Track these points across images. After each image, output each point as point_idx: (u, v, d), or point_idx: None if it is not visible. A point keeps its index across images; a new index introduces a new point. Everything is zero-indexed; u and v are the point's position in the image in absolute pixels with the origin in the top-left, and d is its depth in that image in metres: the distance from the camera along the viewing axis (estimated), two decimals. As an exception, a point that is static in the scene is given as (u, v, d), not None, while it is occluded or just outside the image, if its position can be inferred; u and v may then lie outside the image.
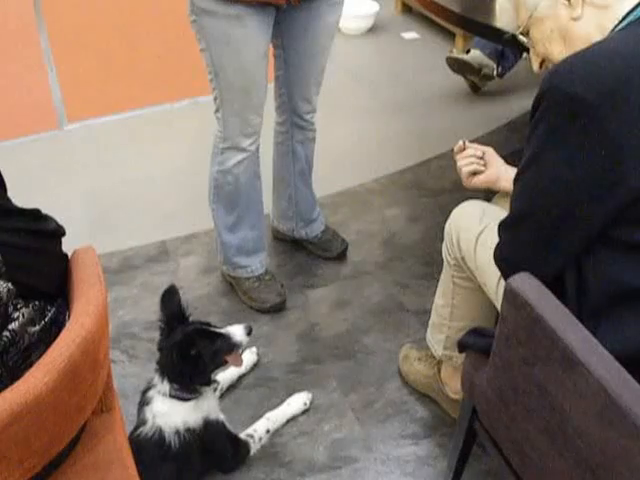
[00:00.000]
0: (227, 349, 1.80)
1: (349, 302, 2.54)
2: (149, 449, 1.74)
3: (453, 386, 2.04)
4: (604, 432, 1.14)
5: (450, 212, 1.85)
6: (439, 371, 2.09)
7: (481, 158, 1.84)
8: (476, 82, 3.77)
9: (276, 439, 2.05)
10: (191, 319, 1.82)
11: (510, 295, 1.32)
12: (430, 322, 2.03)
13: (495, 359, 1.44)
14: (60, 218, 1.44)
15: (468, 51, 3.69)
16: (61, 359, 1.10)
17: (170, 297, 1.79)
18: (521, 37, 1.47)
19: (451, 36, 4.41)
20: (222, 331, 1.80)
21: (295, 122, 2.45)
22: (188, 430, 1.77)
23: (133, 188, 3.16)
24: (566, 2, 1.33)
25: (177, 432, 1.76)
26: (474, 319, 1.86)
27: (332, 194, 3.04)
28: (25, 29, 3.64)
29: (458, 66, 3.69)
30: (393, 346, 2.35)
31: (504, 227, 1.42)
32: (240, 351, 1.85)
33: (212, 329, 1.79)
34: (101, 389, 1.29)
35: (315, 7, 2.14)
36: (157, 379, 1.80)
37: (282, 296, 2.50)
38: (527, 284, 1.31)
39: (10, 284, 1.23)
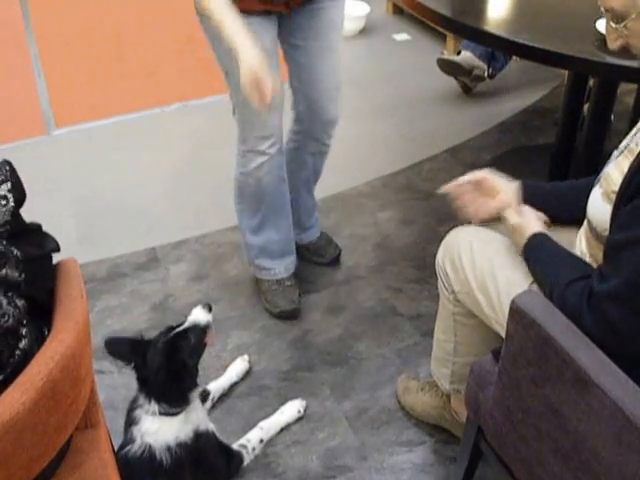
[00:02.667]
0: (201, 336, 1.77)
1: (342, 308, 2.51)
2: (139, 467, 1.70)
3: None
4: (622, 455, 1.11)
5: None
6: (449, 400, 2.00)
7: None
8: (467, 83, 3.76)
9: (269, 449, 2.02)
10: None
11: (517, 314, 1.28)
12: (433, 355, 1.95)
13: (502, 378, 1.41)
14: (48, 225, 1.41)
15: (459, 52, 3.68)
16: (39, 377, 1.07)
17: (117, 344, 1.75)
18: (606, 14, 1.41)
19: (442, 37, 4.39)
20: (187, 325, 1.77)
21: (311, 134, 2.38)
22: (179, 445, 1.73)
23: (122, 194, 3.13)
24: None
25: (168, 448, 1.72)
26: (480, 353, 1.76)
27: (324, 198, 3.01)
28: (13, 33, 3.61)
29: (449, 68, 3.67)
30: (387, 351, 2.33)
31: (614, 299, 1.27)
32: (212, 330, 1.82)
33: (179, 329, 1.75)
34: (83, 406, 1.26)
35: (317, 7, 2.10)
36: (143, 400, 1.76)
37: (294, 304, 2.46)
38: (534, 302, 1.27)
39: (23, 301, 1.21)
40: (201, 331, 1.77)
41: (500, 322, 1.58)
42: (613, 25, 1.41)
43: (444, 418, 2.05)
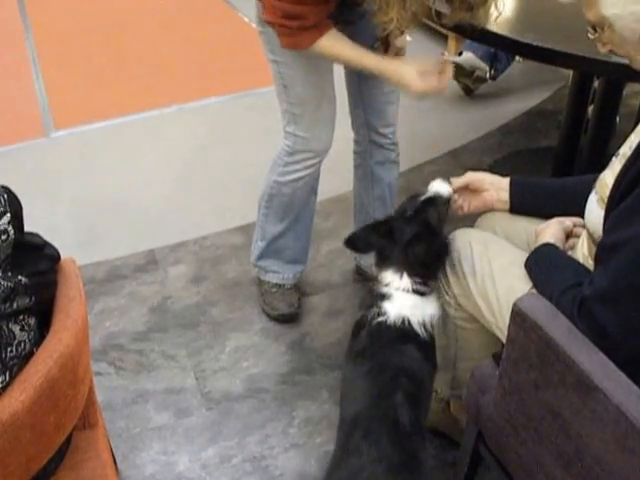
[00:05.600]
0: (445, 207, 1.74)
1: (341, 311, 2.49)
2: (392, 333, 1.63)
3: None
4: (626, 461, 1.09)
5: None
6: (448, 404, 1.98)
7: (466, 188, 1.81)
8: (469, 85, 3.74)
9: (267, 452, 2.01)
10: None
11: (518, 317, 1.26)
12: None
13: (503, 382, 1.39)
14: (47, 227, 1.40)
15: (460, 54, 3.65)
16: (38, 376, 1.06)
17: (357, 239, 1.75)
18: (589, 23, 1.41)
19: (443, 38, 4.37)
20: (431, 194, 1.72)
21: (373, 139, 2.33)
22: (432, 326, 1.66)
23: (121, 196, 3.11)
24: None
25: (423, 324, 1.64)
26: (481, 359, 1.71)
27: (322, 200, 2.98)
28: (11, 36, 3.61)
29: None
30: (386, 355, 2.31)
31: (603, 301, 1.25)
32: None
33: (424, 197, 1.71)
34: (82, 405, 1.25)
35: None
36: (391, 277, 1.68)
37: (293, 308, 2.43)
38: (537, 304, 1.26)
39: (34, 318, 1.20)
40: (444, 202, 1.73)
41: (500, 327, 1.56)
42: (591, 36, 1.42)
43: (443, 423, 2.02)
